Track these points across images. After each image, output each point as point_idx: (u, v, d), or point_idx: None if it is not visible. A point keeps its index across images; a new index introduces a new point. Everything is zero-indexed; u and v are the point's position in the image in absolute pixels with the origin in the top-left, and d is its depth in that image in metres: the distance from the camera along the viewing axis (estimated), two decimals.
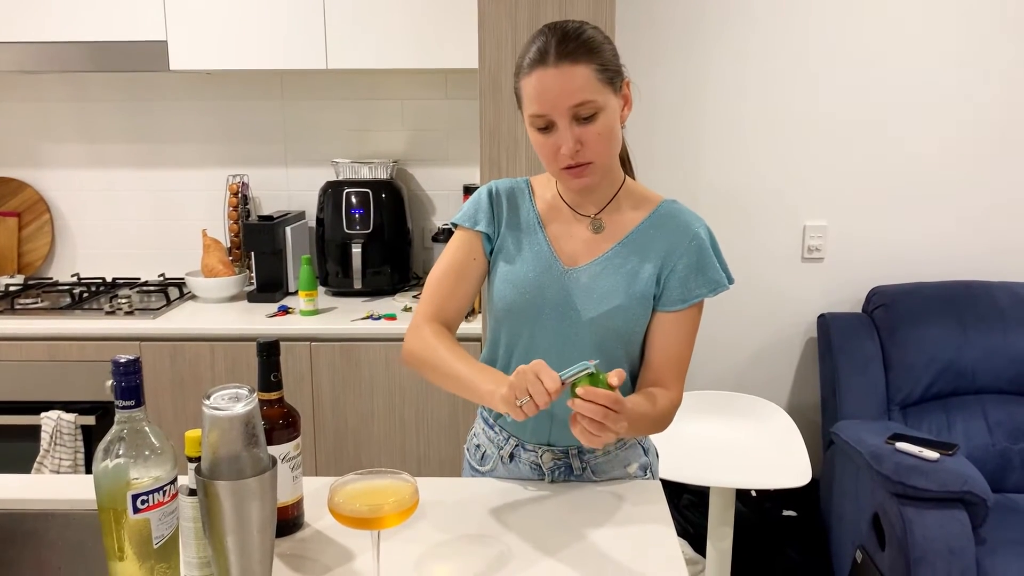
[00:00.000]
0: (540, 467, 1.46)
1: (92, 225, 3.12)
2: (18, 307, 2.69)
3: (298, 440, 1.28)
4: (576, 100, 1.26)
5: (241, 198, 3.00)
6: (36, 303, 2.73)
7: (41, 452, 2.50)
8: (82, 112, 3.05)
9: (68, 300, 2.76)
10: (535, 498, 1.40)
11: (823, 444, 2.90)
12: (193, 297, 2.87)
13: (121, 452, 0.98)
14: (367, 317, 2.60)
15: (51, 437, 2.50)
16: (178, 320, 2.59)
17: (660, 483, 1.47)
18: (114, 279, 3.01)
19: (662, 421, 1.36)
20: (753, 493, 2.85)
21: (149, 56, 2.67)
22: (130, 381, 0.97)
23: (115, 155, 3.08)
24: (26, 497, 1.43)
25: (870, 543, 2.40)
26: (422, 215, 3.09)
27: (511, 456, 1.47)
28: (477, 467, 1.53)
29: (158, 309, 2.66)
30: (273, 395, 1.26)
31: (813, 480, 2.95)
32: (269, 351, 1.24)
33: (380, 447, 2.56)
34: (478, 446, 1.54)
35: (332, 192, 2.85)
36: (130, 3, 2.62)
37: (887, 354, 2.81)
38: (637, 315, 1.37)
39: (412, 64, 2.63)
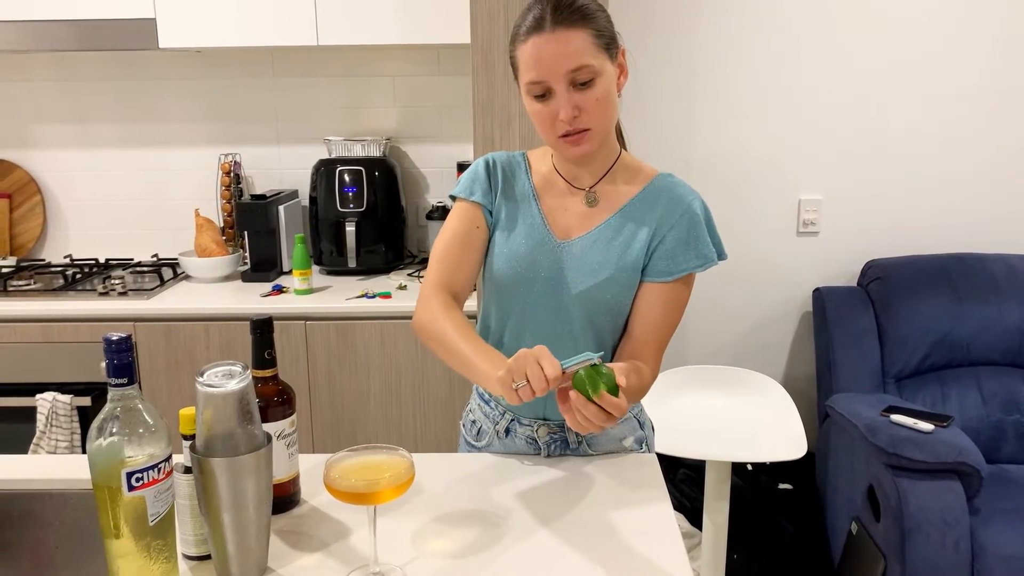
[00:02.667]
0: (536, 441, 1.46)
1: (84, 206, 3.10)
2: (11, 289, 2.68)
3: (293, 417, 1.28)
4: (573, 64, 1.25)
5: (234, 177, 2.98)
6: (29, 285, 2.72)
7: (37, 434, 2.50)
8: (71, 92, 3.02)
9: (61, 281, 2.75)
10: (531, 472, 1.40)
11: (818, 417, 2.91)
12: (187, 277, 2.86)
13: (115, 430, 0.97)
14: (362, 295, 2.59)
15: (47, 419, 2.50)
16: (172, 300, 2.58)
17: (656, 456, 1.47)
18: (107, 260, 3.00)
19: (642, 393, 1.36)
20: (749, 467, 2.86)
21: (138, 34, 2.64)
22: (122, 359, 0.97)
23: (106, 135, 3.06)
24: (22, 477, 1.43)
25: (865, 515, 2.41)
26: (416, 192, 3.07)
27: (507, 431, 1.48)
28: (473, 443, 1.53)
29: (152, 290, 2.65)
30: (267, 372, 1.25)
31: (808, 453, 2.97)
32: (263, 328, 1.24)
33: (376, 425, 2.56)
34: (474, 422, 1.54)
35: (325, 170, 2.83)
36: None
37: (882, 327, 2.81)
38: (626, 287, 1.36)
39: (403, 40, 2.60)
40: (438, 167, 3.05)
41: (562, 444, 1.46)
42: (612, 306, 1.36)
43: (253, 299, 2.58)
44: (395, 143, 3.03)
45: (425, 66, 2.97)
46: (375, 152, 2.89)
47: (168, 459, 1.01)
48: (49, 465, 1.47)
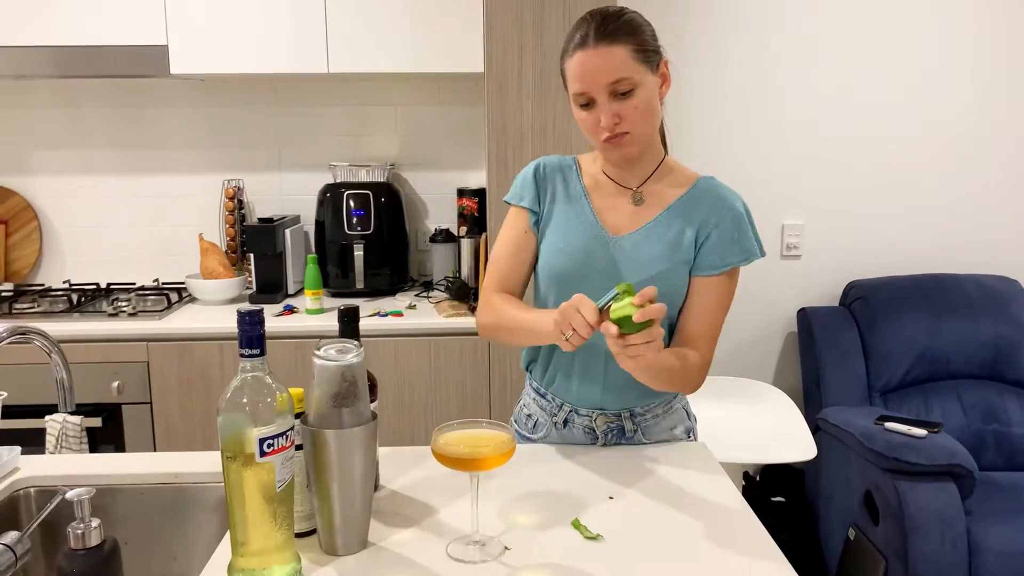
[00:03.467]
0: (594, 431, 1.53)
1: (82, 232, 3.10)
2: (15, 311, 2.67)
3: (376, 403, 1.34)
4: (613, 77, 1.36)
5: (237, 203, 3.02)
6: (33, 307, 2.71)
7: (47, 455, 2.47)
8: (71, 119, 3.04)
9: (64, 305, 2.74)
10: (594, 458, 1.47)
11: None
12: (192, 300, 2.87)
13: (246, 399, 1.02)
14: (374, 314, 2.64)
15: (57, 440, 2.47)
16: (183, 321, 2.60)
17: (705, 444, 1.55)
18: (108, 284, 3.00)
19: (689, 378, 1.43)
20: (757, 477, 2.96)
21: (149, 60, 2.69)
22: (255, 330, 1.02)
23: (106, 161, 3.07)
24: (92, 473, 1.45)
25: (863, 520, 2.52)
26: (417, 218, 3.15)
27: (565, 422, 1.55)
28: (528, 435, 1.60)
29: (161, 311, 2.67)
30: None
31: (798, 470, 3.09)
32: (350, 317, 1.30)
33: (391, 441, 2.60)
34: (529, 415, 1.60)
35: (332, 195, 2.89)
36: (130, 7, 2.64)
37: (866, 344, 2.96)
38: (679, 280, 1.46)
39: (412, 68, 2.69)
40: (438, 193, 3.13)
41: (618, 433, 1.53)
42: (666, 297, 1.44)
43: (265, 319, 2.61)
44: (396, 170, 3.11)
45: (426, 95, 3.07)
46: (379, 178, 2.96)
47: (292, 428, 1.06)
48: (119, 462, 1.49)
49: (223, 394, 1.03)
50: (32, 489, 1.42)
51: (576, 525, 1.22)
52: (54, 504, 0.88)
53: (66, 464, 1.50)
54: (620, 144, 1.41)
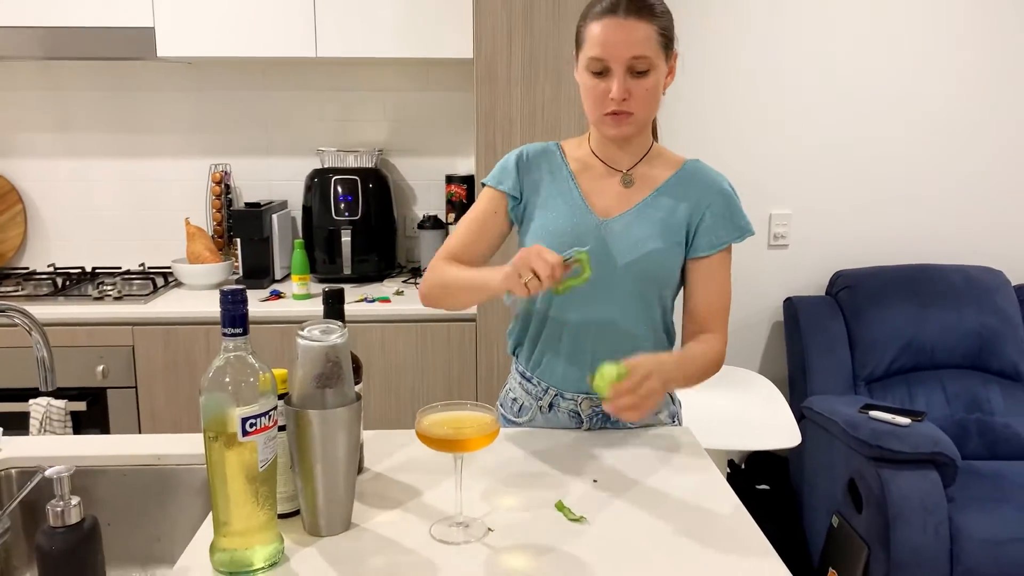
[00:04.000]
0: (579, 415, 1.54)
1: (67, 215, 3.08)
2: None
3: (361, 385, 1.33)
4: (636, 52, 1.36)
5: (224, 187, 3.00)
6: (17, 291, 2.69)
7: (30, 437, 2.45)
8: (57, 101, 3.02)
9: (49, 288, 2.72)
10: (579, 441, 1.48)
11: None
12: (178, 284, 2.86)
13: (228, 379, 1.02)
14: (361, 300, 2.64)
15: (40, 423, 2.47)
16: (169, 305, 2.59)
17: (689, 428, 1.56)
18: (94, 268, 2.98)
19: (717, 362, 1.46)
20: (743, 466, 2.97)
21: (136, 43, 2.67)
22: (238, 309, 1.02)
23: (92, 144, 3.05)
24: (74, 454, 1.44)
25: (846, 508, 2.54)
26: (405, 204, 3.14)
27: (550, 405, 1.55)
28: (514, 419, 1.60)
29: (147, 295, 2.65)
30: None
31: (782, 458, 3.11)
32: (335, 298, 1.29)
33: (377, 425, 2.60)
34: (515, 399, 1.61)
35: (319, 180, 2.88)
36: None
37: (852, 333, 2.98)
38: (672, 259, 1.47)
39: (400, 53, 2.68)
40: (426, 179, 3.13)
41: (603, 417, 1.54)
42: (658, 278, 1.46)
43: (252, 304, 2.60)
44: (385, 156, 3.10)
45: (414, 81, 3.05)
46: (368, 163, 2.95)
47: (275, 407, 1.06)
48: (102, 443, 1.48)
49: (205, 373, 1.03)
50: (13, 470, 1.41)
51: (560, 507, 1.23)
52: (34, 482, 0.88)
53: (49, 445, 1.49)
54: (620, 122, 1.42)
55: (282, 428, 1.14)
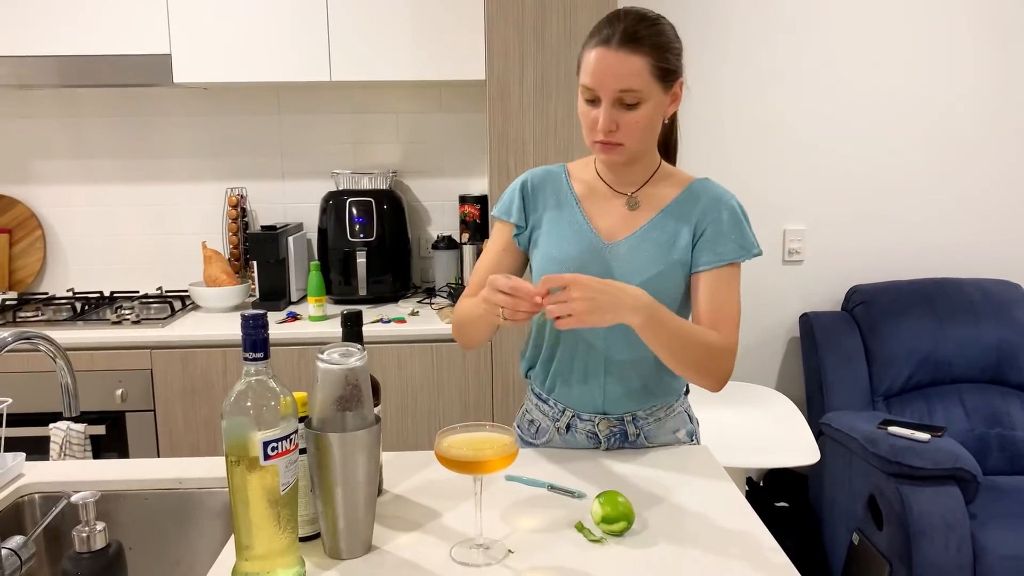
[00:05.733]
0: (597, 435, 1.54)
1: (85, 241, 3.11)
2: (19, 319, 2.68)
3: (380, 408, 1.34)
4: (623, 86, 1.36)
5: (240, 210, 3.03)
6: (37, 316, 2.72)
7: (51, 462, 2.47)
8: (75, 128, 3.06)
9: (68, 313, 2.75)
10: (598, 462, 1.48)
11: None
12: (195, 308, 2.88)
13: (250, 403, 1.03)
14: (377, 321, 2.65)
15: (60, 448, 2.48)
16: (186, 328, 2.61)
17: (707, 447, 1.55)
18: (112, 293, 3.01)
19: (714, 358, 1.37)
20: (761, 483, 2.95)
21: (152, 69, 2.71)
22: (259, 334, 1.03)
23: (109, 170, 3.09)
24: (97, 479, 1.45)
25: (867, 525, 2.52)
26: (419, 225, 3.16)
27: (568, 427, 1.55)
28: (532, 441, 1.60)
29: (165, 319, 2.67)
30: None
31: (801, 475, 3.09)
32: (352, 321, 1.30)
33: (393, 447, 2.60)
34: (532, 421, 1.61)
35: (334, 202, 2.90)
36: (133, 16, 2.66)
37: (869, 349, 2.96)
38: (677, 281, 1.46)
39: (413, 76, 2.71)
40: (440, 200, 3.14)
41: (621, 437, 1.53)
42: (665, 300, 1.42)
43: (269, 326, 2.61)
44: (399, 177, 3.12)
45: (428, 103, 3.08)
46: (382, 185, 2.97)
47: (296, 431, 1.06)
48: (123, 467, 1.49)
49: (227, 398, 1.04)
50: (36, 495, 1.43)
51: (580, 528, 1.23)
52: (59, 508, 0.88)
53: (70, 470, 1.50)
54: (609, 152, 1.42)
55: (302, 451, 1.15)
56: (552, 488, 1.36)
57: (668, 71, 1.39)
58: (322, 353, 1.12)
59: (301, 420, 1.16)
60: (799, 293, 3.21)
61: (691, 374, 1.39)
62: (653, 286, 1.44)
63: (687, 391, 1.61)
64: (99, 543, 0.89)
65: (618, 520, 1.19)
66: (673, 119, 1.56)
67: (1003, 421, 2.82)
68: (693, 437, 1.59)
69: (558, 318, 1.23)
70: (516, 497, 1.34)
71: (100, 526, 0.90)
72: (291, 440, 1.05)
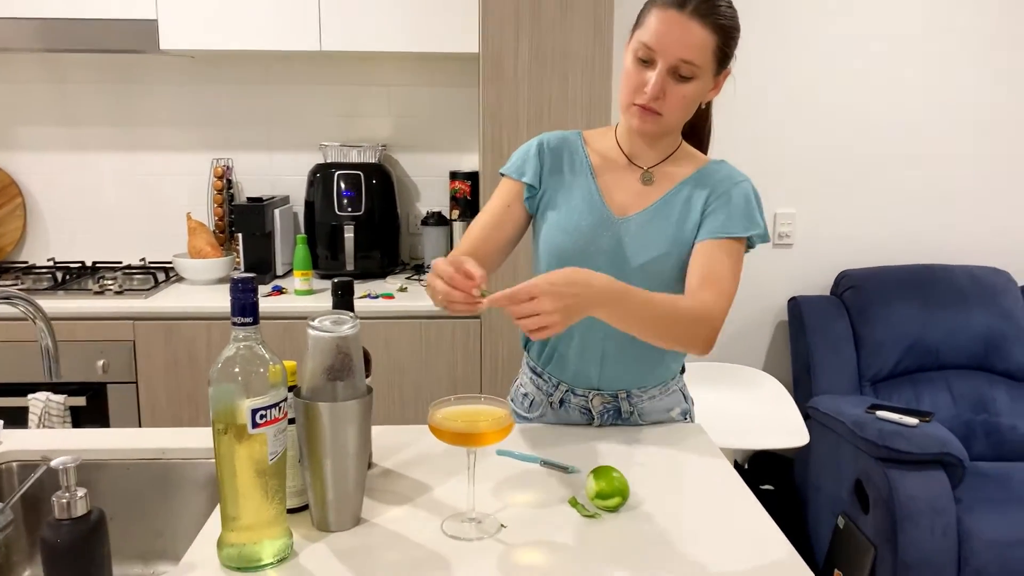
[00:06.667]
0: (590, 411, 1.51)
1: (67, 209, 3.05)
2: None
3: (370, 379, 1.31)
4: (685, 56, 1.32)
5: (225, 182, 2.98)
6: (17, 284, 2.66)
7: (31, 430, 2.43)
8: (57, 94, 2.99)
9: (49, 282, 2.69)
10: (592, 438, 1.45)
11: None
12: (179, 280, 2.83)
13: (239, 369, 0.99)
14: (364, 296, 2.61)
15: (39, 419, 2.43)
16: (170, 300, 2.56)
17: (701, 426, 1.54)
18: (94, 263, 2.95)
19: (686, 323, 1.28)
20: (746, 466, 2.95)
21: (138, 35, 2.64)
22: (248, 298, 0.99)
23: (93, 138, 3.02)
24: (78, 447, 1.41)
25: (852, 509, 2.52)
26: (408, 201, 3.12)
27: (561, 402, 1.53)
28: (524, 414, 1.58)
29: (148, 290, 2.63)
30: None
31: (786, 458, 3.09)
32: (344, 289, 1.27)
33: (380, 418, 2.57)
34: (525, 394, 1.58)
35: (322, 175, 2.85)
36: None
37: (857, 333, 2.96)
38: (684, 259, 1.43)
39: (405, 47, 2.65)
40: (431, 176, 3.10)
41: (614, 414, 1.51)
42: (670, 280, 1.41)
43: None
44: (388, 152, 3.07)
45: (420, 76, 3.03)
46: (371, 158, 2.93)
47: (285, 399, 1.03)
48: (105, 437, 1.46)
49: (214, 364, 1.00)
50: (15, 463, 1.39)
51: (573, 503, 1.20)
52: (38, 474, 0.85)
53: (50, 439, 1.46)
54: (646, 119, 1.37)
55: (292, 421, 1.12)
56: (545, 463, 1.34)
57: (726, 56, 1.37)
58: (313, 321, 1.09)
59: (291, 390, 1.13)
60: (788, 277, 3.20)
61: (672, 345, 1.34)
62: (660, 264, 1.41)
63: (683, 370, 1.59)
64: (80, 509, 0.86)
65: (612, 495, 1.17)
66: (708, 107, 1.52)
67: (989, 407, 2.82)
68: (687, 416, 1.57)
69: (532, 329, 1.15)
70: (508, 472, 1.32)
71: (81, 492, 0.87)
72: (280, 408, 1.02)
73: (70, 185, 3.04)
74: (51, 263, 2.96)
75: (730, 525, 1.16)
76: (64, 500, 0.85)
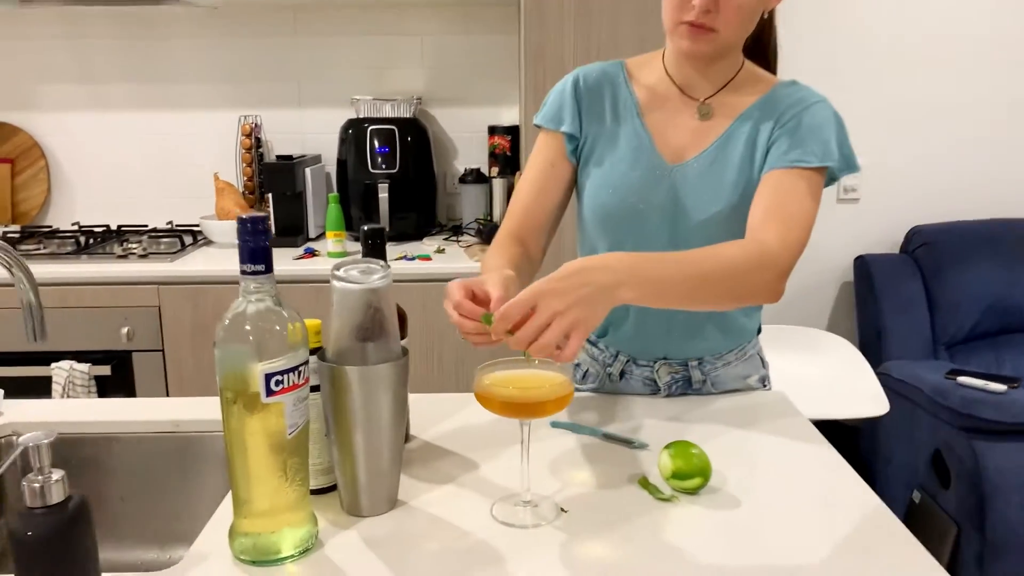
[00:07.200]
0: (655, 382, 1.33)
1: (91, 171, 2.93)
2: (21, 252, 2.50)
3: (406, 340, 1.14)
4: None
5: (255, 140, 2.83)
6: (39, 249, 2.55)
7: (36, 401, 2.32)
8: (78, 49, 2.85)
9: (73, 247, 2.57)
10: (661, 408, 1.27)
11: None
12: (207, 243, 2.70)
13: (250, 327, 0.83)
14: (400, 258, 2.45)
15: (63, 389, 2.33)
16: (197, 264, 2.43)
17: (785, 394, 1.35)
18: (119, 226, 2.82)
19: (738, 272, 1.06)
20: None
21: None
22: (259, 241, 0.83)
23: (116, 97, 2.89)
24: (84, 420, 1.27)
25: (929, 483, 2.32)
26: (444, 158, 2.94)
27: (621, 374, 1.34)
28: (577, 387, 1.40)
29: (174, 253, 2.49)
30: None
31: (852, 427, 2.88)
32: (375, 237, 1.10)
33: (416, 384, 2.41)
34: (577, 365, 1.40)
35: (354, 131, 2.69)
36: None
37: (931, 294, 2.74)
38: None
39: None
40: (468, 132, 2.92)
41: (684, 383, 1.33)
42: (740, 235, 1.18)
43: (285, 262, 2.43)
44: (423, 106, 2.89)
45: (455, 23, 2.84)
46: (405, 113, 2.75)
47: (306, 363, 0.87)
48: (114, 407, 1.32)
49: (220, 321, 0.84)
50: (14, 436, 1.25)
51: (644, 484, 1.03)
52: (13, 457, 0.71)
53: (55, 410, 1.32)
54: (698, 37, 1.16)
55: (315, 389, 0.96)
56: (607, 437, 1.16)
57: None
58: (338, 270, 0.92)
59: (314, 352, 0.97)
60: (854, 234, 2.97)
61: (732, 304, 1.17)
62: (724, 218, 1.20)
63: (759, 330, 1.40)
64: (56, 496, 0.71)
65: (692, 475, 1.00)
66: (771, 16, 1.30)
67: None
68: (765, 382, 1.39)
69: (552, 346, 0.90)
70: (565, 447, 1.15)
71: (57, 475, 0.71)
72: (300, 373, 0.86)
73: (93, 146, 2.91)
74: (75, 227, 2.84)
75: (830, 509, 0.98)
76: (36, 485, 0.70)
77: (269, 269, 0.84)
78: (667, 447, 1.03)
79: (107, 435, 1.26)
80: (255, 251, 0.83)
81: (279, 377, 0.83)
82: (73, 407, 1.32)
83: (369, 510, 0.97)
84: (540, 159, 1.31)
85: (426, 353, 2.42)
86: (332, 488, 1.01)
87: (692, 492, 1.01)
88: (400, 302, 1.01)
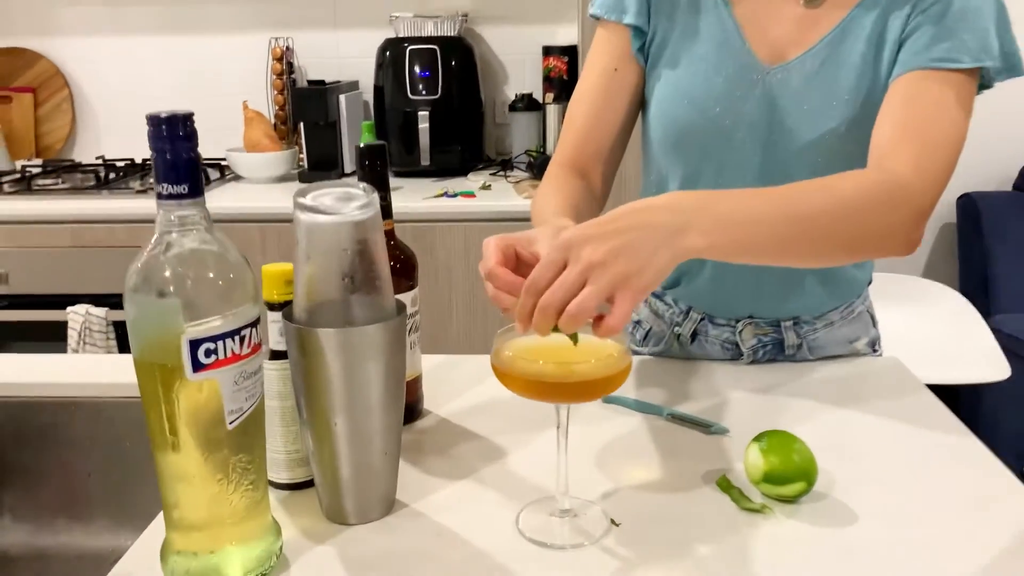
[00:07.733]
0: (737, 346, 1.06)
1: (115, 101, 2.73)
2: (36, 188, 2.33)
3: (415, 293, 0.90)
4: None
5: (286, 65, 2.59)
6: (57, 184, 2.37)
7: (69, 352, 2.16)
8: None
9: (93, 182, 2.39)
10: (745, 379, 1.00)
11: None
12: (236, 178, 2.49)
13: (170, 273, 0.59)
14: (441, 195, 2.21)
15: (79, 335, 2.16)
16: (223, 200, 2.24)
17: (900, 361, 1.07)
18: (144, 160, 2.63)
19: (860, 210, 0.80)
20: None
21: None
22: (180, 150, 0.58)
23: (139, 18, 2.67)
24: (43, 381, 1.07)
25: None
26: (493, 84, 2.66)
27: (694, 335, 1.07)
28: (636, 348, 1.13)
29: None
30: None
31: (952, 388, 2.57)
32: (373, 155, 0.85)
33: (459, 339, 2.20)
34: (638, 322, 1.14)
35: (391, 53, 2.42)
36: None
37: None
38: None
39: None
40: (520, 53, 2.63)
41: (774, 348, 1.05)
42: (858, 157, 0.90)
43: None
44: (470, 24, 2.61)
45: None
46: (449, 31, 2.48)
47: (255, 325, 0.63)
48: (80, 366, 1.11)
49: (131, 264, 0.60)
50: None
51: (725, 487, 0.77)
52: None
53: (8, 369, 1.12)
54: None
55: (278, 356, 0.72)
56: (674, 418, 0.90)
57: None
58: (303, 197, 0.67)
59: (280, 308, 0.73)
60: (958, 169, 2.60)
61: (847, 258, 0.92)
62: (838, 140, 0.92)
63: (869, 281, 1.11)
64: None
65: (792, 479, 0.73)
66: None
67: None
68: (875, 346, 1.11)
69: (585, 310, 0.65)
70: (616, 431, 0.89)
71: None
72: (245, 340, 0.61)
73: (118, 74, 2.71)
74: (99, 161, 2.65)
75: (990, 524, 0.71)
76: None
77: (196, 191, 0.60)
78: (757, 439, 0.76)
79: (70, 399, 1.06)
80: (177, 164, 0.59)
81: (210, 345, 0.59)
82: (29, 364, 1.12)
83: (356, 516, 0.73)
84: (600, 63, 1.03)
85: (468, 307, 2.18)
86: (310, 483, 0.77)
87: (791, 500, 0.74)
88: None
